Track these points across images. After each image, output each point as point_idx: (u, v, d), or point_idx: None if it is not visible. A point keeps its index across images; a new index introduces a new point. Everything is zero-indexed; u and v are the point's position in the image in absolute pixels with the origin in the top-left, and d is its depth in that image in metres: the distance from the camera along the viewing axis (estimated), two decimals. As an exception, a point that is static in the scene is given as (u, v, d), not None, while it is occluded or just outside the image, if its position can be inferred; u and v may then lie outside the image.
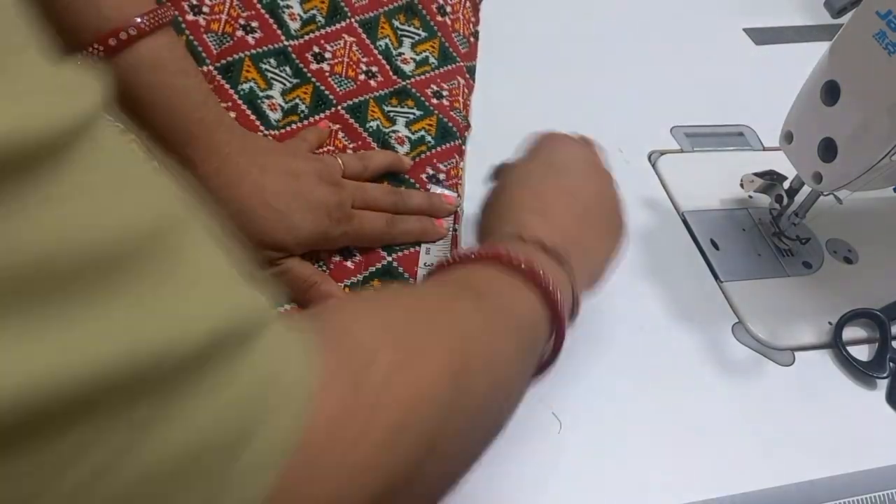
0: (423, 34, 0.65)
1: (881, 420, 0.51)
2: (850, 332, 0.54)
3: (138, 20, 0.40)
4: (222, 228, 0.22)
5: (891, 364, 0.53)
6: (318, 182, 0.49)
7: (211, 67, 0.56)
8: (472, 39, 0.68)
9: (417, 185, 0.55)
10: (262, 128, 0.55)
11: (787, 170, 0.54)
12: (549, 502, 0.43)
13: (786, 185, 0.56)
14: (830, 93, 0.48)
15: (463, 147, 0.60)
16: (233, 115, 0.54)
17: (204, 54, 0.56)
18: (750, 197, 0.60)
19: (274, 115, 0.56)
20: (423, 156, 0.57)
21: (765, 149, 0.66)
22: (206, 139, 0.44)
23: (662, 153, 0.64)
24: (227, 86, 0.55)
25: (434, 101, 0.61)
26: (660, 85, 0.69)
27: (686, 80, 0.70)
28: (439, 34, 0.65)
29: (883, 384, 0.52)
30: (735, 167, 0.60)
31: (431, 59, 0.64)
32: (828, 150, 0.49)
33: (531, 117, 0.65)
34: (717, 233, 0.59)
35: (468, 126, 0.62)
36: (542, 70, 0.69)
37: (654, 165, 0.63)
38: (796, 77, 0.51)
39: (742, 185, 0.58)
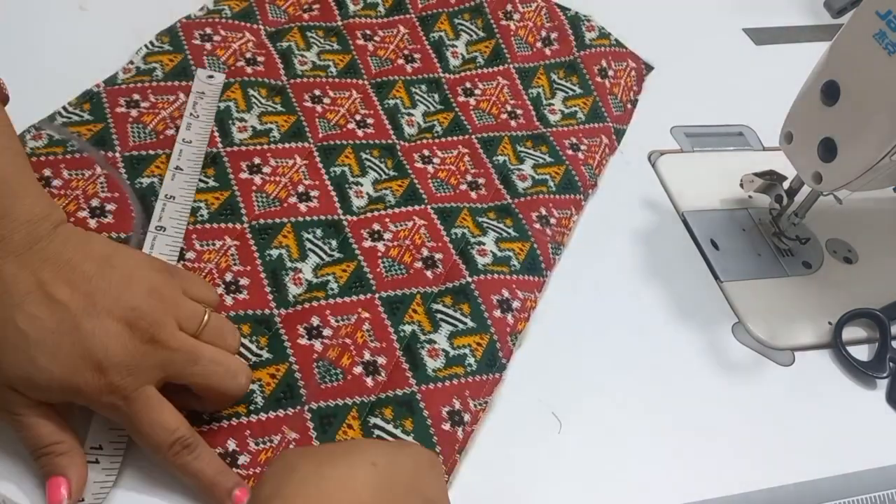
0: (579, 91, 0.64)
1: (881, 420, 0.51)
2: (849, 332, 0.54)
3: None
4: None
5: (891, 364, 0.53)
6: (120, 325, 0.36)
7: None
8: (628, 106, 0.65)
9: (525, 221, 0.54)
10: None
11: (787, 170, 0.54)
12: (549, 502, 0.43)
13: (786, 185, 0.56)
14: (830, 93, 0.48)
15: (582, 202, 0.57)
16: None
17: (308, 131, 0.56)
18: (750, 197, 0.60)
19: (409, 130, 0.58)
20: (540, 195, 0.56)
21: (765, 149, 0.66)
22: None
23: (662, 153, 0.64)
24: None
25: (569, 152, 0.59)
26: (660, 85, 0.69)
27: (686, 80, 0.70)
28: (595, 93, 0.64)
29: (883, 384, 0.52)
30: (735, 167, 0.60)
31: (580, 115, 0.62)
32: (828, 150, 0.49)
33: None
34: (717, 233, 0.59)
35: (594, 185, 0.59)
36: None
37: (654, 165, 0.63)
38: (796, 77, 0.51)
39: (742, 185, 0.58)
